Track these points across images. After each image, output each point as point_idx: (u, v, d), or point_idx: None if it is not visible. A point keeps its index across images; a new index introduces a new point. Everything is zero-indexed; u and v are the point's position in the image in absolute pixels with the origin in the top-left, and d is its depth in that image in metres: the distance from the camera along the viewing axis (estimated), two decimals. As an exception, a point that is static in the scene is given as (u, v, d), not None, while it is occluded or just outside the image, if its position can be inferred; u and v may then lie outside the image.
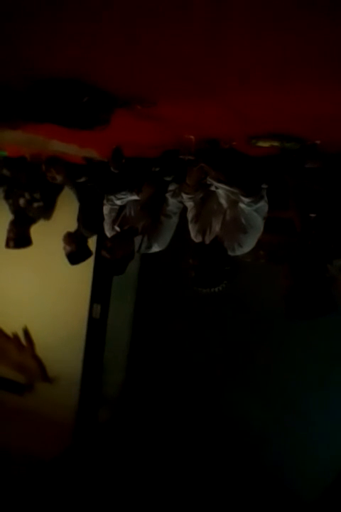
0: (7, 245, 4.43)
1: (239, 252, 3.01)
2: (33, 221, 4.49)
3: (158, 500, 4.62)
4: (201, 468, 4.94)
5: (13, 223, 4.40)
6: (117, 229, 3.59)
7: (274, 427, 4.78)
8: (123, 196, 3.53)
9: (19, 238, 4.40)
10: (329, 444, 4.55)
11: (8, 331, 5.76)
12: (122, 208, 3.64)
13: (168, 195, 3.43)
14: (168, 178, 3.35)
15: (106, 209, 3.65)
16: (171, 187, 3.43)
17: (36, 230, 4.58)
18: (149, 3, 1.19)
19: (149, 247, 3.51)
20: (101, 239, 3.86)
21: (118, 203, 3.57)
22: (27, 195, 4.30)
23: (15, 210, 4.42)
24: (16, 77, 1.88)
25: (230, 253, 3.00)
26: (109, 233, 3.67)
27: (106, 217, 3.66)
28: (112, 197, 3.56)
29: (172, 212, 3.48)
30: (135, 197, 3.53)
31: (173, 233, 3.56)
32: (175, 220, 3.52)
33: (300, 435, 4.68)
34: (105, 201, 3.62)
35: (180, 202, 3.42)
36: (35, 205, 4.37)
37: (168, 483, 4.81)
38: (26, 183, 4.28)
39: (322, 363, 4.62)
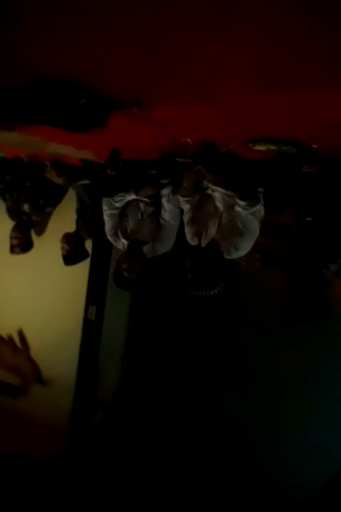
0: (12, 251, 4.42)
1: (235, 255, 3.02)
2: (34, 225, 4.50)
3: (152, 502, 4.61)
4: (197, 471, 4.93)
5: (17, 230, 4.40)
6: (124, 241, 3.62)
7: (272, 430, 4.78)
8: (120, 198, 3.54)
9: (24, 244, 4.42)
10: (327, 445, 4.55)
11: (3, 332, 5.72)
12: (123, 215, 3.65)
13: (163, 200, 3.46)
14: (165, 181, 3.36)
15: (106, 213, 3.66)
16: (165, 192, 3.45)
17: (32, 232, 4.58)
18: (147, 6, 1.19)
19: (154, 251, 3.57)
20: (99, 244, 3.89)
21: (118, 205, 3.59)
22: (41, 201, 4.29)
23: (17, 215, 4.42)
24: (14, 79, 1.87)
25: (226, 256, 3.00)
26: (111, 239, 3.70)
27: (106, 222, 3.68)
28: (110, 200, 3.58)
29: (170, 217, 3.51)
30: (133, 196, 3.54)
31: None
32: (176, 222, 3.54)
33: (298, 437, 4.68)
34: (105, 207, 3.64)
35: (176, 206, 3.45)
36: (48, 210, 4.38)
37: (162, 486, 4.80)
38: (39, 189, 4.26)
39: (319, 364, 4.62)
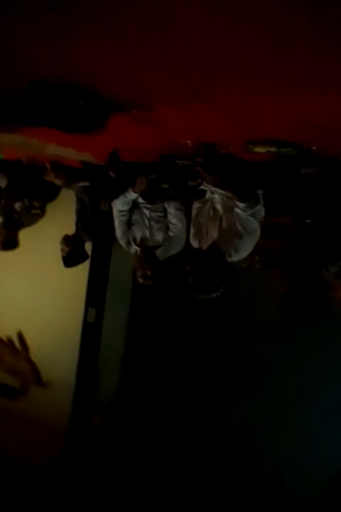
0: None
1: (236, 257, 3.00)
2: (23, 225, 4.47)
3: (152, 504, 4.60)
4: (198, 472, 4.92)
5: (3, 225, 4.37)
6: (136, 248, 3.65)
7: (273, 430, 4.77)
8: (125, 199, 3.55)
9: (8, 241, 4.37)
10: (328, 445, 4.55)
11: (2, 334, 5.72)
12: (130, 224, 3.67)
13: (165, 204, 3.48)
14: (165, 186, 3.35)
15: (116, 221, 3.68)
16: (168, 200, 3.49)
17: (31, 234, 4.57)
18: (147, 8, 1.19)
19: (166, 254, 3.62)
20: (99, 246, 3.87)
21: (125, 208, 3.60)
22: (26, 202, 4.27)
23: (7, 212, 4.39)
24: (14, 81, 1.87)
25: (227, 258, 2.99)
26: (124, 245, 3.75)
27: (117, 228, 3.71)
28: (118, 205, 3.59)
29: (177, 220, 3.54)
30: (133, 196, 3.55)
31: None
32: (182, 223, 3.57)
33: (299, 436, 4.68)
34: (114, 214, 3.65)
35: (178, 208, 3.47)
36: (33, 212, 4.35)
37: (162, 488, 4.79)
38: (27, 190, 4.25)
39: (320, 364, 4.62)
